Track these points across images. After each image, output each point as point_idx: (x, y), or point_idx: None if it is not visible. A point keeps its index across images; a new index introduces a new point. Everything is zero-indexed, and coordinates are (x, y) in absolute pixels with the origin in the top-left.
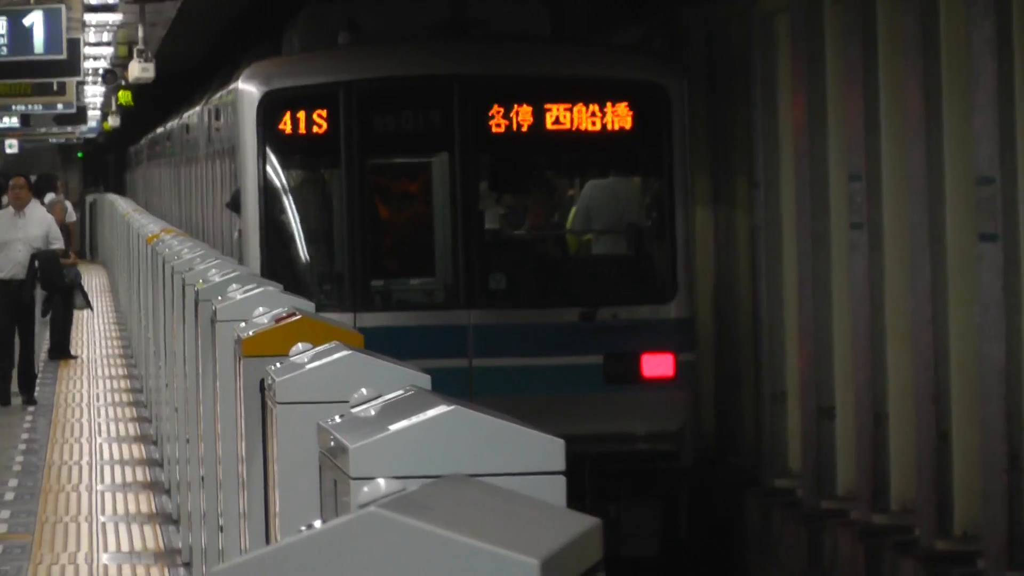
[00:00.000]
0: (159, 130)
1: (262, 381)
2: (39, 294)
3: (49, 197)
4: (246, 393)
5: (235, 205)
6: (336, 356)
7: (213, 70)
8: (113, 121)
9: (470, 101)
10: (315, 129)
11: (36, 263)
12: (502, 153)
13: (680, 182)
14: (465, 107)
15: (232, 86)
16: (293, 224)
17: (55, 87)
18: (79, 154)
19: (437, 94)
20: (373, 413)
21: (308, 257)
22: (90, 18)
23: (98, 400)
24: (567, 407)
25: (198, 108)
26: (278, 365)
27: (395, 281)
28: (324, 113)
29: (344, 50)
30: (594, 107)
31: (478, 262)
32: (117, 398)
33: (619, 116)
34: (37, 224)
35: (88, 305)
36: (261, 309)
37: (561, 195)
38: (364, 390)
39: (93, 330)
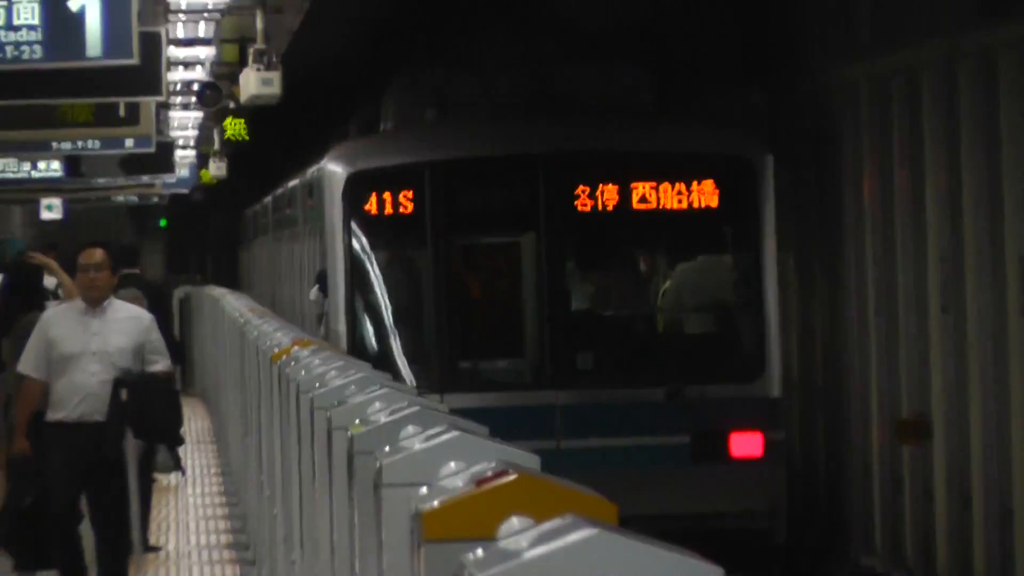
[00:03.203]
0: (287, 185)
1: None
2: (131, 445)
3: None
4: None
5: (322, 286)
6: (577, 540)
7: (356, 92)
8: (216, 168)
9: (555, 179)
10: (401, 209)
11: (123, 394)
12: (588, 232)
13: (768, 258)
14: (550, 185)
15: (319, 165)
16: (380, 304)
17: (121, 112)
18: (161, 221)
19: (522, 173)
20: None
21: (395, 337)
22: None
23: None
24: (655, 486)
25: (296, 180)
26: (480, 555)
27: (483, 361)
28: (410, 193)
29: (429, 128)
30: (680, 185)
31: (565, 341)
32: None
33: (705, 193)
34: (124, 329)
35: (177, 466)
36: (452, 465)
37: (648, 273)
38: None
39: (187, 506)
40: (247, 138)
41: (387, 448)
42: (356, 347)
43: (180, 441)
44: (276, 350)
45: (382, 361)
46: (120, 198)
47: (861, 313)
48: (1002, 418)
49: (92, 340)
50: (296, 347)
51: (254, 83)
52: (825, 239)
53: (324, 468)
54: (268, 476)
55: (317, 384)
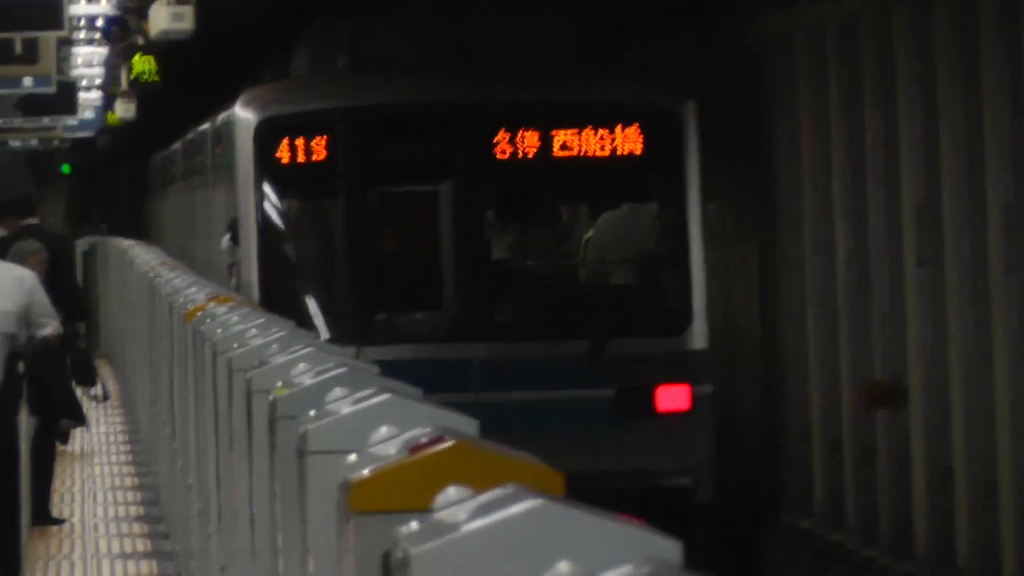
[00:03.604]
0: (198, 130)
1: (386, 555)
2: (27, 422)
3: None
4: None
5: (233, 235)
6: (520, 512)
7: (270, 36)
8: (124, 110)
9: (472, 127)
10: (314, 157)
11: (19, 367)
12: (508, 180)
13: (693, 208)
14: (468, 133)
15: (229, 111)
16: (293, 255)
17: (18, 49)
18: (64, 167)
19: (439, 120)
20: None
21: (310, 290)
22: None
23: None
24: (579, 442)
25: (207, 125)
26: (415, 528)
27: (399, 313)
28: (323, 141)
29: (344, 75)
30: (603, 131)
31: (484, 293)
32: None
33: (628, 140)
34: (5, 292)
35: (79, 419)
36: (384, 431)
37: (569, 223)
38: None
39: (92, 476)
40: (158, 78)
41: (312, 412)
42: (268, 299)
43: (82, 420)
44: (190, 307)
45: (295, 313)
46: (17, 143)
47: (822, 267)
48: (984, 383)
49: None
50: (212, 304)
51: (165, 17)
52: (767, 190)
53: (243, 434)
54: (181, 443)
55: (235, 344)
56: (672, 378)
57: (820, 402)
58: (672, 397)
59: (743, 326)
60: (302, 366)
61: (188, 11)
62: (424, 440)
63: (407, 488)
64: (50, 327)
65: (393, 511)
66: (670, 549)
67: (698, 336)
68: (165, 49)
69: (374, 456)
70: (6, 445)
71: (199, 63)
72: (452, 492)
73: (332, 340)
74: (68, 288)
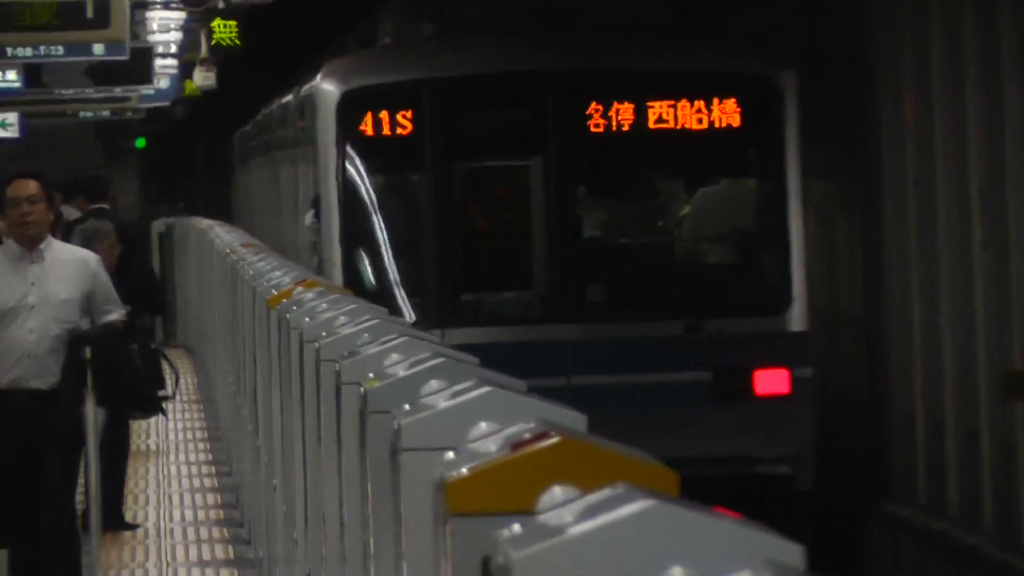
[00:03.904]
0: (281, 103)
1: (486, 560)
2: (94, 414)
3: (87, 227)
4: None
5: (317, 211)
6: (631, 513)
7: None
8: (203, 79)
9: (565, 99)
10: (399, 131)
11: (84, 354)
12: (601, 155)
13: (793, 184)
14: (560, 105)
15: (311, 83)
16: (376, 232)
17: (89, 12)
18: (138, 141)
19: (529, 91)
20: None
21: (393, 269)
22: None
23: None
24: (673, 427)
25: (290, 97)
26: (518, 531)
27: (487, 294)
28: (409, 114)
29: (429, 44)
30: (699, 103)
31: (576, 272)
32: None
33: (726, 113)
34: (67, 275)
35: (158, 408)
36: (484, 426)
37: (665, 199)
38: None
39: (169, 476)
40: (239, 44)
41: (407, 406)
42: (350, 278)
43: (157, 409)
44: (274, 292)
45: (378, 293)
46: (88, 113)
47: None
48: None
49: (30, 291)
50: (299, 289)
51: None
52: (872, 165)
53: (332, 430)
54: (265, 441)
55: (324, 332)
56: (771, 361)
57: (930, 388)
58: (771, 380)
59: (846, 307)
60: (395, 356)
61: None
62: (527, 436)
63: (509, 488)
64: (115, 313)
65: (494, 513)
66: (792, 552)
67: (798, 317)
68: (247, 13)
69: (473, 453)
70: (73, 438)
71: (283, 29)
72: (557, 492)
73: (417, 322)
74: (143, 279)
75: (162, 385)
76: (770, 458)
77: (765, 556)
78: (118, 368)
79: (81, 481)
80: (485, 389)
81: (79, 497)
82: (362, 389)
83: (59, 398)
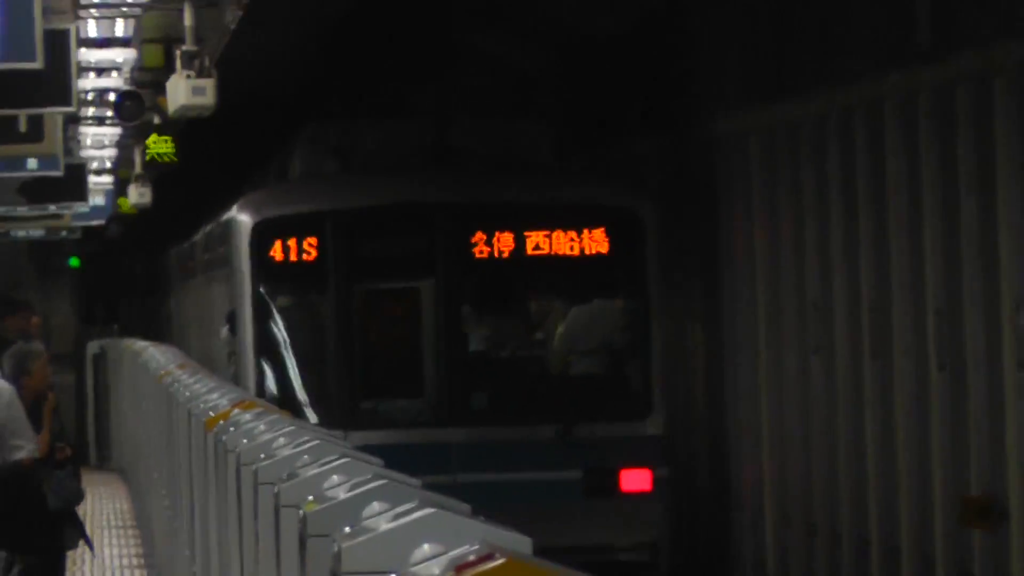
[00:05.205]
0: (205, 230)
1: None
2: None
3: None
4: None
5: (232, 326)
6: None
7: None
8: (138, 196)
9: (452, 228)
10: (305, 256)
11: None
12: (484, 277)
13: (655, 303)
14: (448, 234)
15: (230, 213)
16: (285, 346)
17: (22, 127)
18: (71, 260)
19: (420, 221)
20: None
21: (300, 378)
22: None
23: None
24: (548, 519)
25: (213, 224)
26: None
27: (383, 400)
28: (314, 241)
29: (333, 179)
30: (572, 233)
31: (461, 382)
32: None
33: (595, 241)
34: None
35: (83, 538)
36: (427, 548)
37: (541, 317)
38: None
39: None
40: (175, 160)
41: (347, 529)
42: (261, 386)
43: (60, 552)
44: (211, 414)
45: (287, 399)
46: (21, 232)
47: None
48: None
49: None
50: (236, 410)
51: (184, 92)
52: (722, 282)
53: (271, 555)
54: (203, 567)
55: (262, 454)
56: (635, 461)
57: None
58: (635, 479)
59: (702, 411)
60: (336, 478)
61: (210, 84)
62: (472, 558)
63: None
64: (24, 450)
65: None
66: None
67: (659, 422)
68: (184, 127)
69: None
70: None
71: (223, 140)
72: None
73: (320, 425)
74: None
75: (72, 518)
76: (632, 546)
77: None
78: (21, 512)
79: None
80: (428, 511)
81: None
82: (301, 512)
83: None
